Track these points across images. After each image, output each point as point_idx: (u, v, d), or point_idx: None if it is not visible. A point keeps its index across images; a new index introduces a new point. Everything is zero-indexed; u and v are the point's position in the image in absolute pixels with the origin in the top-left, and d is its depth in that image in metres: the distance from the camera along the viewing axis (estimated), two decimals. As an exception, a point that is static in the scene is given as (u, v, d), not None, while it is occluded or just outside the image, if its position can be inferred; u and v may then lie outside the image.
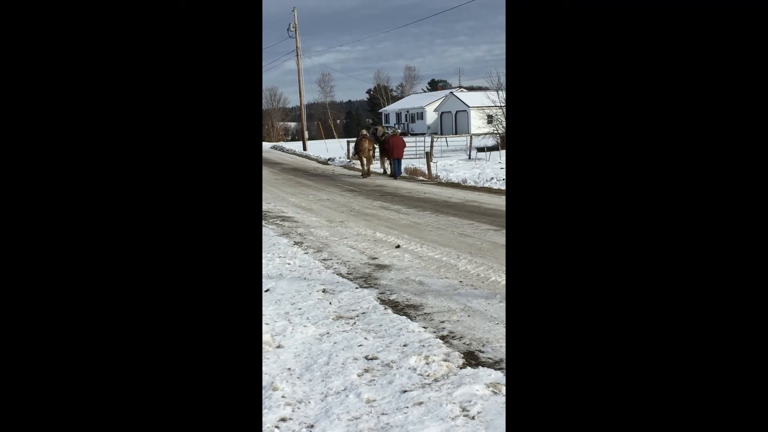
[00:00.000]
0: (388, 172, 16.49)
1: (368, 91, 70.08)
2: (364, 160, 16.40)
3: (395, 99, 63.93)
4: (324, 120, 43.68)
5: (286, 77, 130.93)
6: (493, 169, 16.72)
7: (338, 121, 64.31)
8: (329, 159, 24.14)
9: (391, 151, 15.96)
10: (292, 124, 64.33)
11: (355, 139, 19.71)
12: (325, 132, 37.29)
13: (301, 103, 35.83)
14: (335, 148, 28.23)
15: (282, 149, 34.98)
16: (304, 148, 32.43)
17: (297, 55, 34.69)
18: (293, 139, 48.61)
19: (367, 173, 16.28)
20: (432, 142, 22.33)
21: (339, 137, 34.11)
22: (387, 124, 46.85)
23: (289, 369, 3.47)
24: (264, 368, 3.36)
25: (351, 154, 21.85)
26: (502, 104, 24.00)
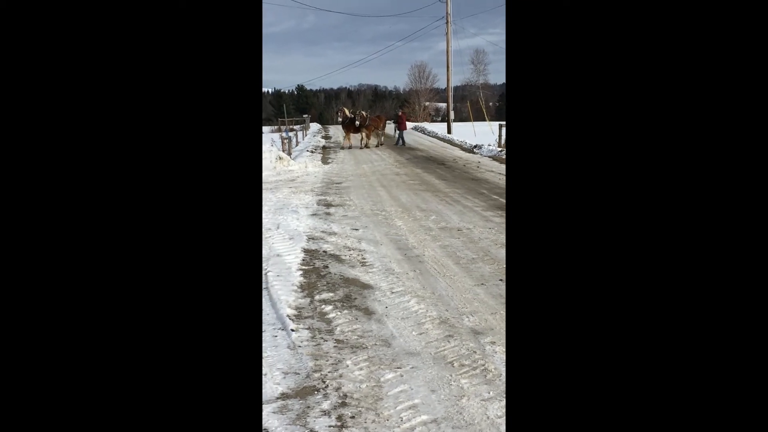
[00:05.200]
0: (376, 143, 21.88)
1: (526, 72, 63.85)
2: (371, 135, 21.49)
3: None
4: (474, 100, 38.47)
5: (438, 58, 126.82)
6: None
7: (491, 104, 59.70)
8: (475, 146, 19.31)
9: (400, 124, 22.90)
10: (442, 105, 60.82)
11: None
12: (474, 114, 31.90)
13: (448, 77, 30.70)
14: (484, 132, 23.46)
15: (423, 131, 30.56)
16: (449, 131, 27.75)
17: (447, 22, 29.76)
18: (442, 120, 44.54)
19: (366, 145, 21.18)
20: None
21: (490, 120, 28.66)
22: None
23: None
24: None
25: (503, 143, 18.96)
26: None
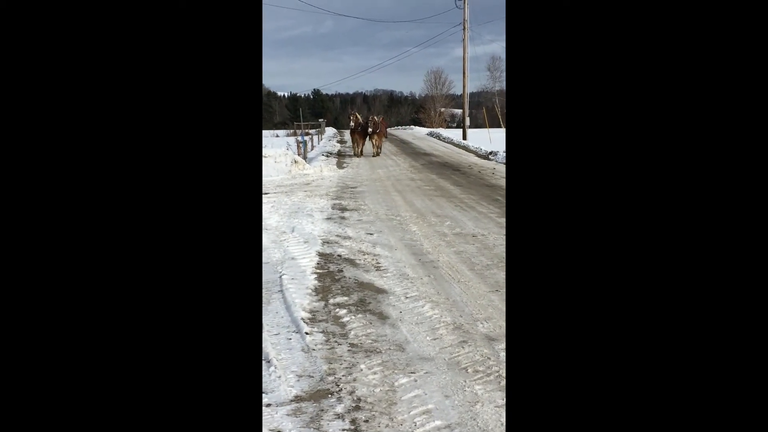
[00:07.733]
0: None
1: (543, 78, 63.51)
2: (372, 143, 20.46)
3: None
4: (490, 107, 38.38)
5: (454, 64, 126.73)
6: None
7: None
8: (491, 153, 19.26)
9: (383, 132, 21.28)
10: (458, 111, 60.68)
11: None
12: (489, 120, 31.82)
13: (464, 83, 30.64)
14: (500, 139, 23.29)
15: (438, 136, 30.68)
16: (464, 137, 27.66)
17: (464, 28, 29.75)
18: (457, 127, 44.52)
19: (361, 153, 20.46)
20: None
21: (506, 127, 28.57)
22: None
23: None
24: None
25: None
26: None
